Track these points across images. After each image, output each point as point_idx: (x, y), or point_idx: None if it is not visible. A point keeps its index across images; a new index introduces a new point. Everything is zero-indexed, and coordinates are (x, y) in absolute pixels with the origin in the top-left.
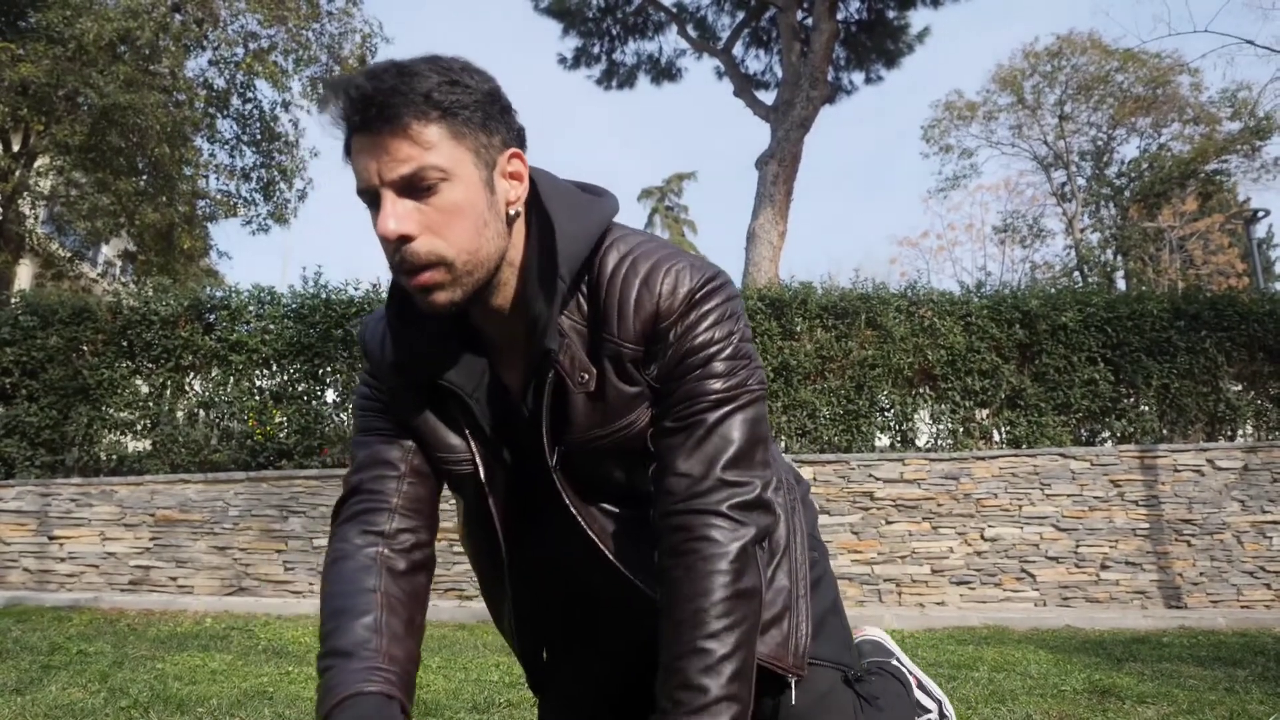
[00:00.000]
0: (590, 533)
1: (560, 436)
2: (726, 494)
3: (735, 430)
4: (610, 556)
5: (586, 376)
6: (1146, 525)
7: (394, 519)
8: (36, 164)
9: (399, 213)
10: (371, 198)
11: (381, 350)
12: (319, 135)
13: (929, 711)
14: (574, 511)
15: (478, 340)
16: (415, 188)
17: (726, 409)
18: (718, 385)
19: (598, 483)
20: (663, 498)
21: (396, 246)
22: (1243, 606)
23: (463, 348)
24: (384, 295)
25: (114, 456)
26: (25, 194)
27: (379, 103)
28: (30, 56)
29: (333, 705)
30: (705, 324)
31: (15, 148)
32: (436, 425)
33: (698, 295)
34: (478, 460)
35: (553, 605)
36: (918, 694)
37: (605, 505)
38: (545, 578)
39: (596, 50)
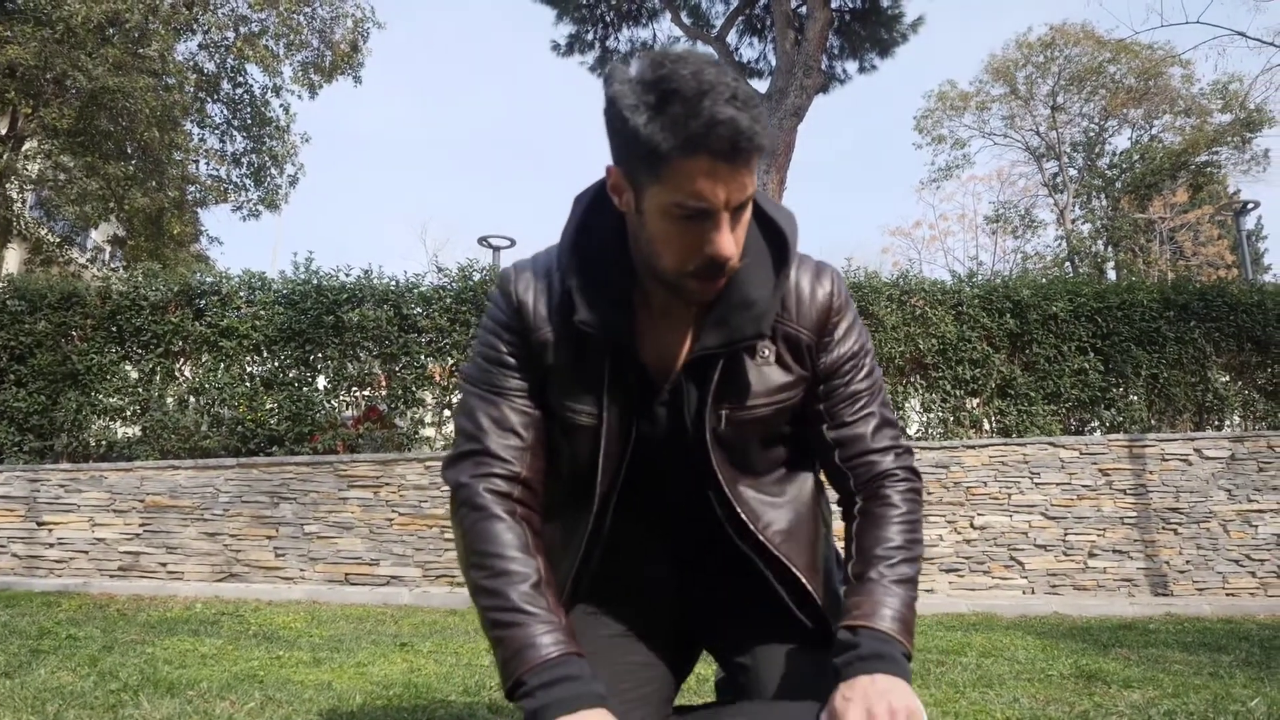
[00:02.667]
0: (727, 493)
1: (720, 403)
2: (910, 458)
3: (890, 413)
4: (742, 516)
5: (768, 352)
6: (1134, 514)
7: (522, 489)
8: (24, 147)
9: (733, 237)
10: (699, 213)
11: (534, 303)
12: (309, 120)
13: None
14: (717, 473)
15: (633, 308)
16: (739, 210)
17: (879, 400)
18: (869, 381)
19: (738, 450)
20: (860, 470)
21: (716, 261)
22: (1228, 594)
23: (625, 313)
24: (376, 281)
25: (103, 442)
26: (13, 178)
27: (749, 139)
28: (18, 38)
29: (537, 663)
30: (856, 325)
31: (3, 131)
32: (573, 377)
33: (846, 295)
34: (604, 414)
35: (611, 566)
36: None
37: (738, 473)
38: (622, 539)
39: (590, 37)
